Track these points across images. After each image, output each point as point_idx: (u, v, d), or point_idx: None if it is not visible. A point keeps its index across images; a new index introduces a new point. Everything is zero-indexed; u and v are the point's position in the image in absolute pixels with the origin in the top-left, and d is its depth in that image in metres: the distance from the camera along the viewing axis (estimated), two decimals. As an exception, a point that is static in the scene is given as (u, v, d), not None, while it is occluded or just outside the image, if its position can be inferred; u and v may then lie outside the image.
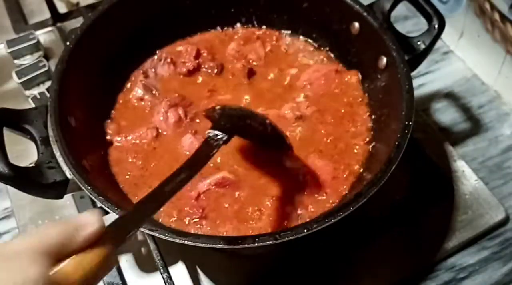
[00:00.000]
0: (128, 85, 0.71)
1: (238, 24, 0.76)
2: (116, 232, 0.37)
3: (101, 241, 0.36)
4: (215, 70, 0.72)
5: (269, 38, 0.75)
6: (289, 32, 0.76)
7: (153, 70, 0.72)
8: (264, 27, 0.76)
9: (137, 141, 0.65)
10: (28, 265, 0.32)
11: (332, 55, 0.73)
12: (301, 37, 0.75)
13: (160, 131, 0.66)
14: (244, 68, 0.72)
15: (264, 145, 0.62)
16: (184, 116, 0.66)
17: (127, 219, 0.40)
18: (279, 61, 0.73)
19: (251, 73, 0.71)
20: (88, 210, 0.37)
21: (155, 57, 0.73)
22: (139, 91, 0.69)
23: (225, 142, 0.53)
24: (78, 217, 0.36)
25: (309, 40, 0.75)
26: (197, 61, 0.72)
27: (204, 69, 0.72)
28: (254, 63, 0.73)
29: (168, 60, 0.72)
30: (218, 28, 0.76)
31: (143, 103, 0.69)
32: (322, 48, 0.74)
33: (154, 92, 0.70)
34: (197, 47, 0.73)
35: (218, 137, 0.53)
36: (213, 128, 0.54)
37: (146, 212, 0.42)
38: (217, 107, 0.56)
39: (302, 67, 0.72)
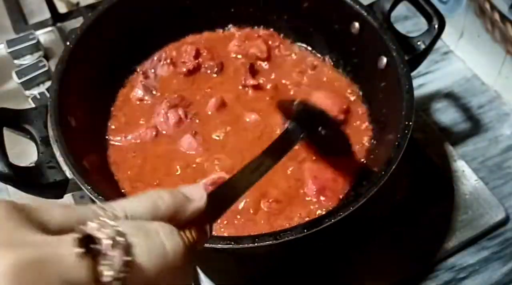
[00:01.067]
0: (128, 85, 0.71)
1: (237, 24, 0.76)
2: (210, 212, 0.33)
3: (197, 220, 0.32)
4: (215, 69, 0.72)
5: (271, 39, 0.75)
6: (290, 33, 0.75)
7: (152, 70, 0.72)
8: (262, 27, 0.76)
9: (137, 141, 0.65)
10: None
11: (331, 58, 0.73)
12: (299, 43, 0.75)
13: (160, 130, 0.66)
14: (246, 64, 0.71)
15: (326, 151, 0.61)
16: (184, 117, 0.66)
17: (218, 200, 0.36)
18: (281, 63, 0.73)
19: (253, 69, 0.71)
20: (193, 184, 0.33)
21: (155, 57, 0.73)
22: (139, 92, 0.69)
23: (302, 138, 0.53)
24: (184, 188, 0.32)
25: (309, 48, 0.75)
26: (196, 61, 0.72)
27: (204, 69, 0.72)
28: (258, 54, 0.72)
29: (168, 60, 0.72)
30: (217, 28, 0.76)
31: (144, 103, 0.69)
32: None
33: (154, 92, 0.70)
34: (196, 46, 0.73)
35: (297, 131, 0.53)
36: (292, 120, 0.54)
37: (232, 197, 0.38)
38: (297, 101, 0.56)
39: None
